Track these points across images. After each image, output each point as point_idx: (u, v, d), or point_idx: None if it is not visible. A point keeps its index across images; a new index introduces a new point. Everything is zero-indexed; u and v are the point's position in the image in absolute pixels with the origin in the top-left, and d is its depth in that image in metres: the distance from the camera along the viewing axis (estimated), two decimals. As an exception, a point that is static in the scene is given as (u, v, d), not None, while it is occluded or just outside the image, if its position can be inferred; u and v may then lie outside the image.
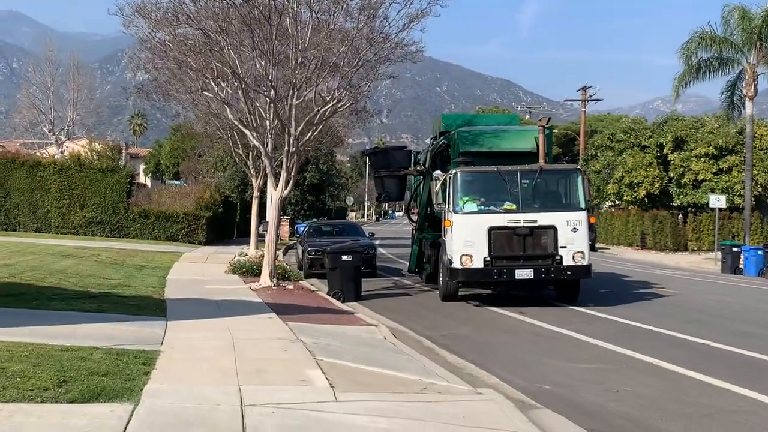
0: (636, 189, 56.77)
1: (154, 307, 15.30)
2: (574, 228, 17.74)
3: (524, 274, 17.65)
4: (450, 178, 18.52)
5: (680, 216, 53.93)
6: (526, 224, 17.69)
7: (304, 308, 16.90)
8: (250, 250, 32.81)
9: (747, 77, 39.45)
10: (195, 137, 45.07)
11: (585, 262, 17.90)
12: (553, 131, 30.08)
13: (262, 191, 33.97)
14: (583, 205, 18.25)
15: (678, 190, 56.40)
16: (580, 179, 18.48)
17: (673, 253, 49.12)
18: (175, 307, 15.71)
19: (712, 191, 53.25)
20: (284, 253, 38.04)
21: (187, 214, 39.95)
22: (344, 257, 19.99)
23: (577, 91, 77.02)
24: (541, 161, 19.03)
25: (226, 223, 47.32)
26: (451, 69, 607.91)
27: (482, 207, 18.26)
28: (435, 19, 19.35)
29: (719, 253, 37.58)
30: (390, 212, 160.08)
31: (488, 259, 17.70)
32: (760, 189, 51.48)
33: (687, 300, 20.87)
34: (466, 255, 17.78)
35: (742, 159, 53.09)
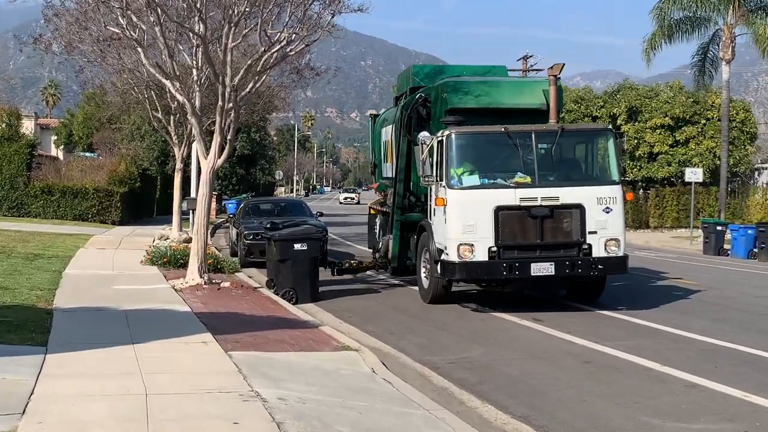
0: (588, 162, 53.34)
1: (32, 326, 10.52)
2: (607, 207, 13.43)
3: (543, 268, 13.26)
4: (441, 142, 13.98)
5: (641, 191, 50.65)
6: (545, 202, 13.33)
7: (249, 320, 12.29)
8: (173, 232, 27.93)
9: (724, 38, 35.90)
10: (108, 105, 39.57)
11: (620, 253, 13.62)
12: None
13: (186, 163, 29.04)
14: (616, 177, 13.93)
15: (632, 163, 53.10)
16: (611, 143, 14.12)
17: (635, 231, 45.68)
18: (65, 325, 10.95)
19: (668, 164, 50.23)
20: (212, 234, 33.15)
21: (98, 189, 34.64)
22: (297, 246, 15.41)
23: (518, 60, 73.46)
24: (552, 120, 14.75)
25: (144, 200, 42.05)
26: (375, 43, 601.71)
27: (486, 180, 13.81)
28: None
29: (698, 231, 34.15)
30: (319, 187, 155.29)
31: (495, 249, 13.26)
32: (718, 161, 48.50)
33: (727, 297, 16.67)
34: (466, 244, 13.28)
35: (700, 130, 50.10)
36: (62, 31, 23.94)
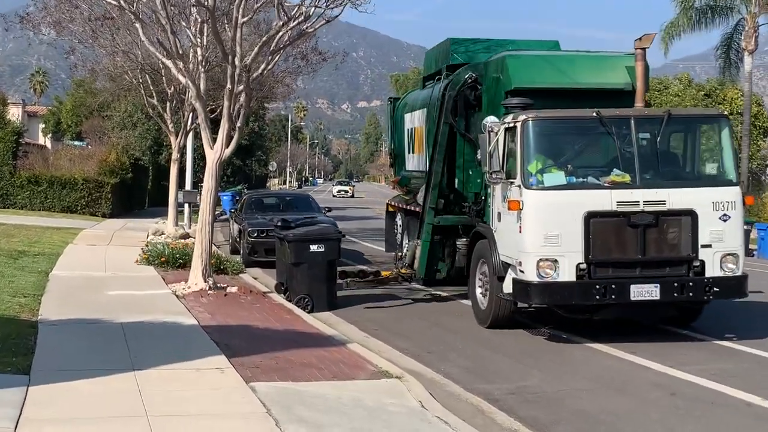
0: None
1: (14, 346, 8.86)
2: (724, 215, 10.81)
3: (645, 291, 10.57)
4: (512, 129, 11.28)
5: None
6: (649, 207, 10.64)
7: (265, 336, 10.65)
8: (168, 226, 26.25)
9: (747, 28, 34.33)
10: (99, 91, 37.71)
11: (739, 272, 10.93)
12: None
13: (182, 153, 27.24)
14: (734, 177, 11.33)
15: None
16: (727, 133, 11.47)
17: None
18: (52, 343, 9.27)
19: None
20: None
21: (87, 180, 32.81)
22: (314, 247, 13.74)
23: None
24: (639, 104, 12.15)
25: (135, 191, 40.28)
26: (368, 34, 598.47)
27: (573, 178, 11.13)
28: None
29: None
30: (311, 179, 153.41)
31: (584, 266, 10.59)
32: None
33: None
34: (547, 260, 10.62)
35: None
36: (51, 9, 22.28)
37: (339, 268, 15.07)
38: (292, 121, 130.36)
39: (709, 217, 10.80)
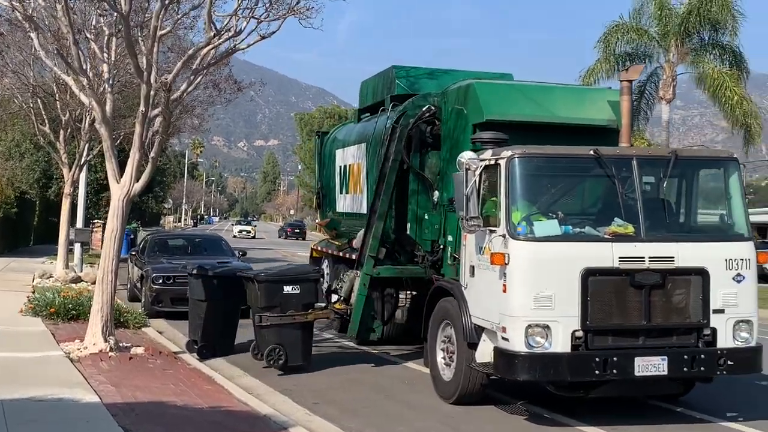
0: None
1: None
2: (738, 274, 9.25)
3: (651, 365, 8.87)
4: (493, 168, 9.48)
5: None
6: (655, 264, 8.99)
7: (186, 417, 8.51)
8: (57, 268, 23.54)
9: (665, 76, 33.85)
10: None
11: (753, 341, 9.34)
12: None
13: (76, 186, 24.61)
14: (745, 231, 9.70)
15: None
16: (737, 178, 9.89)
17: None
18: None
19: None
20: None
21: (-34, 214, 29.80)
22: (287, 289, 11.71)
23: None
24: (625, 144, 10.37)
25: (20, 227, 37.07)
26: (267, 74, 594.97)
27: (569, 228, 9.30)
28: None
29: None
30: (207, 217, 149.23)
31: (581, 334, 8.82)
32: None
33: None
34: (538, 325, 8.81)
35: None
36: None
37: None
38: (188, 157, 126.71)
39: (722, 277, 9.17)
